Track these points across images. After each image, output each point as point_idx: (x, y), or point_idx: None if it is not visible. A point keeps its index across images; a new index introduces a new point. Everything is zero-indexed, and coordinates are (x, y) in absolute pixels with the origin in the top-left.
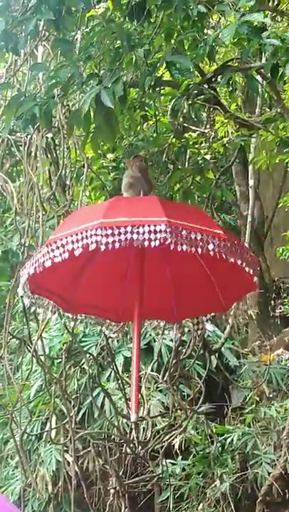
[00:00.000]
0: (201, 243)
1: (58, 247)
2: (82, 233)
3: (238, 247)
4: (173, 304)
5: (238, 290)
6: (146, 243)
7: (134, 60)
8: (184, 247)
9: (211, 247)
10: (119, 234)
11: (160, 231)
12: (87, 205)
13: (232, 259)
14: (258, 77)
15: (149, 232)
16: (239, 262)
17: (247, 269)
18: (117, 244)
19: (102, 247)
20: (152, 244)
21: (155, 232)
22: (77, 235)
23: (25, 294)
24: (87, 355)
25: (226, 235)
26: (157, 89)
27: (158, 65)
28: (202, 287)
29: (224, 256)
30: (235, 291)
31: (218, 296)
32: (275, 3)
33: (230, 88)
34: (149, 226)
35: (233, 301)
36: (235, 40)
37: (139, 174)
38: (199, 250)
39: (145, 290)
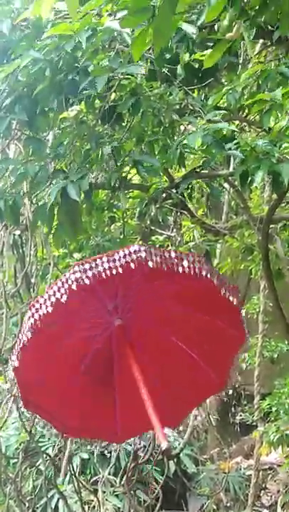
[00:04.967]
0: (176, 260)
1: (45, 300)
2: (61, 281)
3: (213, 271)
4: (169, 407)
5: (226, 353)
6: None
7: (100, 155)
8: (158, 266)
9: (185, 263)
10: (96, 266)
11: (135, 251)
12: None
13: (208, 276)
14: (226, 185)
15: (124, 256)
16: (216, 282)
17: (231, 298)
18: (99, 274)
19: (87, 281)
20: (132, 265)
21: (130, 253)
22: (57, 284)
23: None
24: (44, 455)
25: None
26: (126, 191)
27: (125, 162)
28: (188, 373)
29: (199, 272)
30: (224, 356)
31: (209, 374)
32: (245, 113)
33: (197, 194)
34: (123, 251)
35: (227, 371)
36: (204, 147)
37: None
38: (176, 268)
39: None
